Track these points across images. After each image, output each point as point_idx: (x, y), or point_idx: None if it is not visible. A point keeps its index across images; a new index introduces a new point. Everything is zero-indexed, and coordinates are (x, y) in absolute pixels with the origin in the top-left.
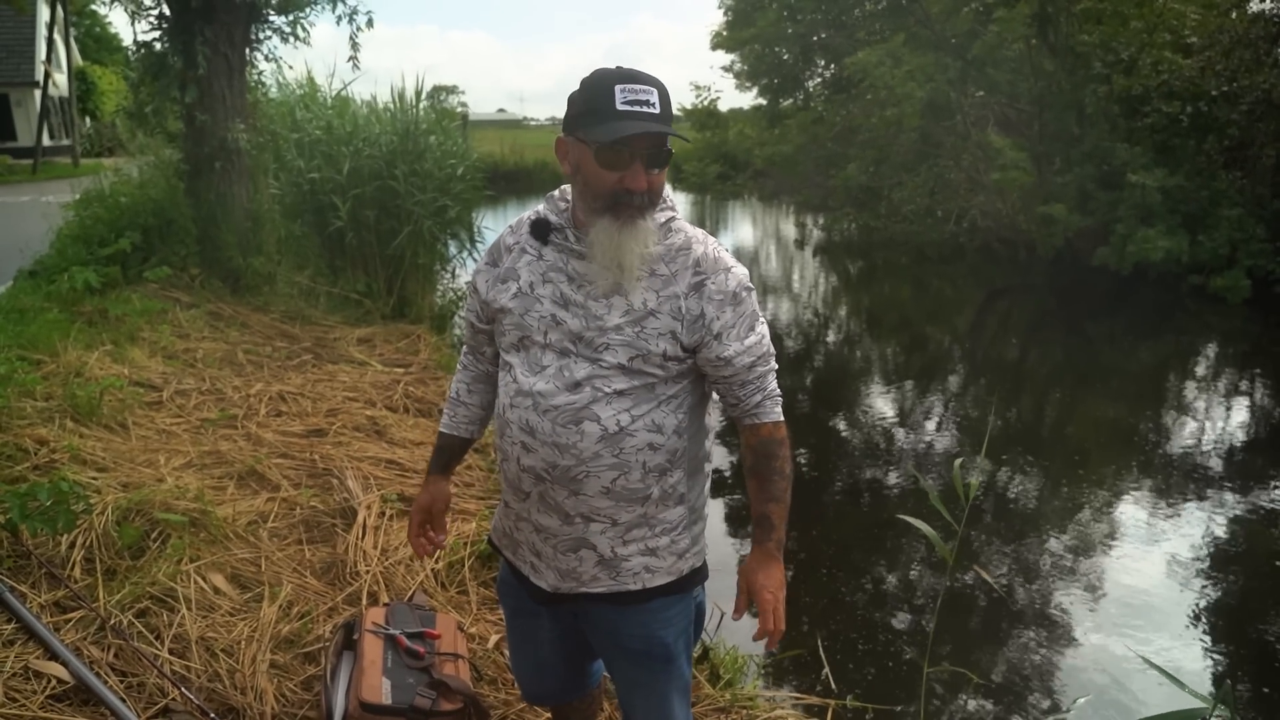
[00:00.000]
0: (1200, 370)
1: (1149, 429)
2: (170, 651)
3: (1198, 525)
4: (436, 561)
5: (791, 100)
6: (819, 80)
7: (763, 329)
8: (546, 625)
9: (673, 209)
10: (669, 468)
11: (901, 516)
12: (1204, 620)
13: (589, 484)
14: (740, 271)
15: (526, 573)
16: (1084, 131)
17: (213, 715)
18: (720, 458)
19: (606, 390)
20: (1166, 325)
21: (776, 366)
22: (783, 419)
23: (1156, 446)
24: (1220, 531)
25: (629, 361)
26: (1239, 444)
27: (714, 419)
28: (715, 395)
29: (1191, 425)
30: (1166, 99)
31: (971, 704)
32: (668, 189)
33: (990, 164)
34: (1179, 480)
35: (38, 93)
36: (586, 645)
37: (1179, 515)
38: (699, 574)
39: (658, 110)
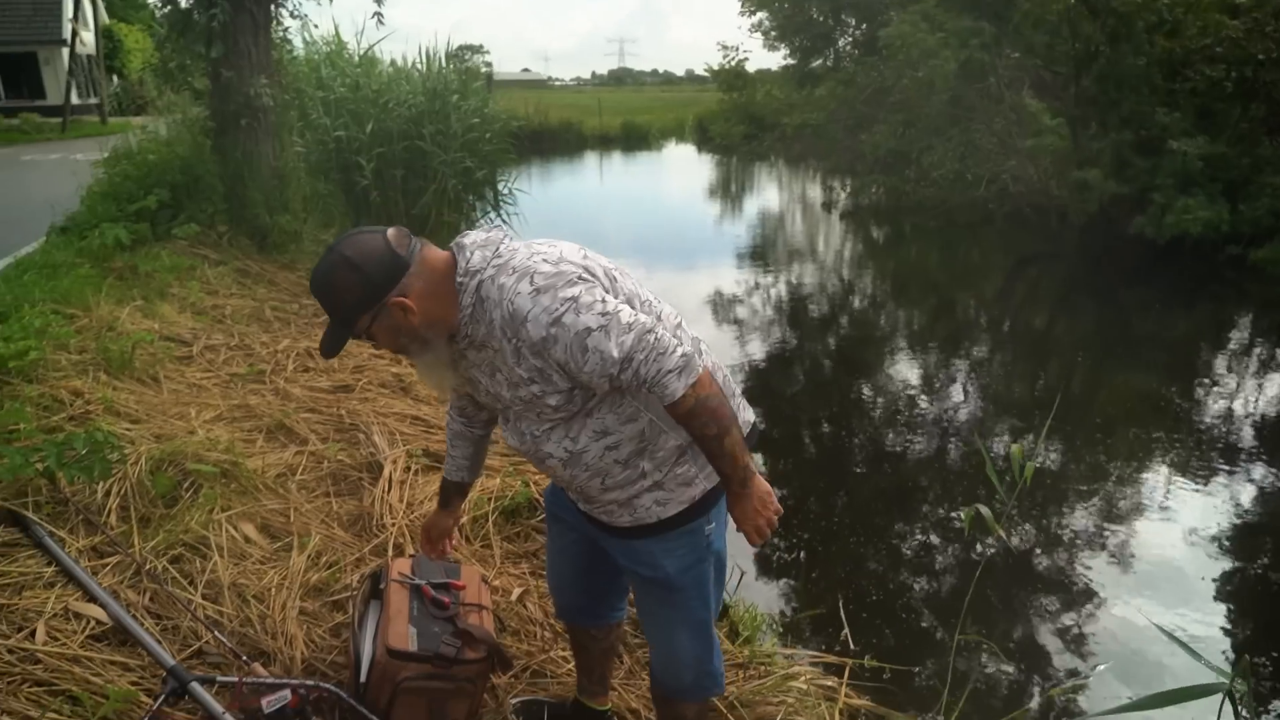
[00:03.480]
0: (1236, 342)
1: (1183, 400)
2: (203, 597)
3: (1230, 497)
4: (462, 516)
5: (821, 60)
6: (849, 40)
7: (597, 340)
8: (574, 538)
9: (475, 276)
10: (645, 446)
11: (977, 506)
12: (1232, 593)
13: (589, 488)
14: (537, 313)
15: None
16: (1122, 95)
17: (245, 658)
18: None
19: (538, 433)
20: (1203, 295)
21: (648, 345)
22: (686, 387)
23: (1190, 418)
24: (1253, 504)
25: (538, 416)
26: (1275, 417)
27: None
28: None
29: (1226, 398)
30: (1209, 62)
31: (992, 667)
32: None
33: (1024, 128)
34: (1211, 452)
35: (65, 51)
36: (607, 573)
37: (1210, 487)
38: (713, 494)
39: (328, 316)
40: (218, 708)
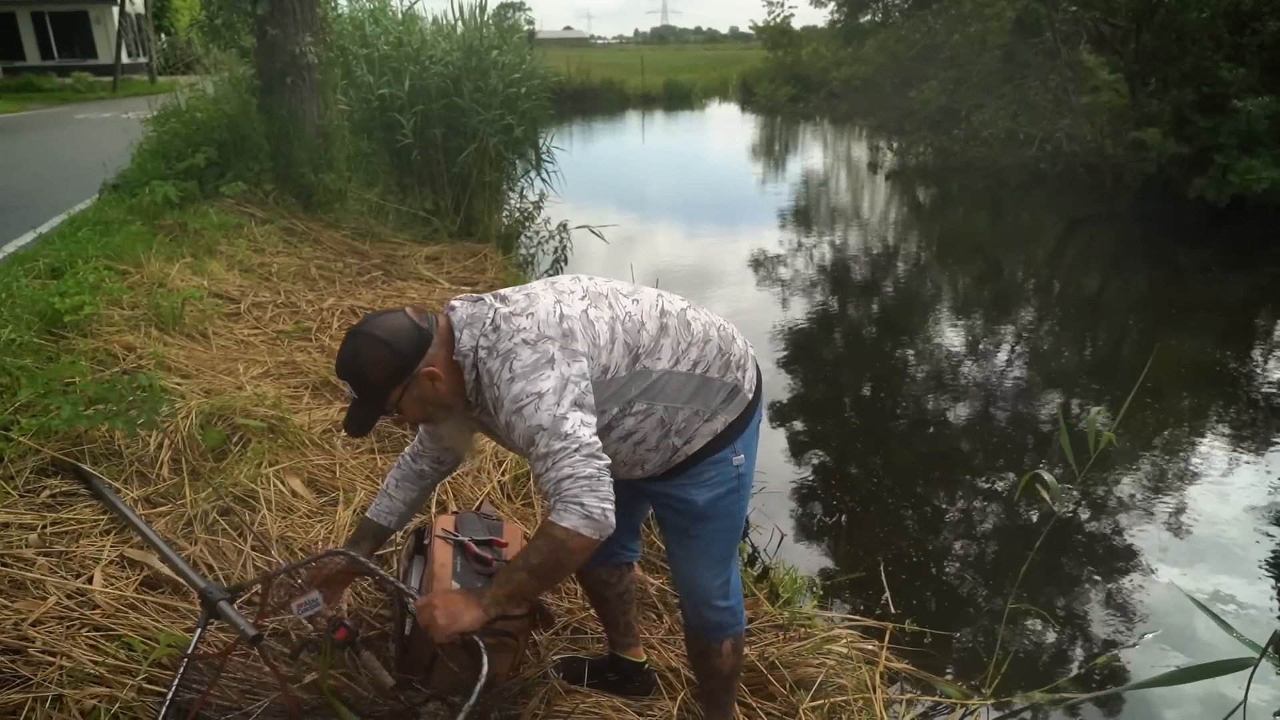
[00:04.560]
0: None
1: (1241, 366)
2: (252, 548)
3: None
4: (503, 474)
5: (869, 16)
6: None
7: (541, 438)
8: None
9: (468, 357)
10: (668, 427)
11: (1038, 472)
12: None
13: (631, 476)
14: (507, 400)
15: None
16: (1184, 50)
17: (269, 571)
18: (779, 389)
19: None
20: (1266, 259)
21: (570, 471)
22: (576, 529)
23: (1250, 386)
24: None
25: None
26: None
27: (666, 355)
28: (648, 343)
29: None
30: (1279, 14)
31: (1036, 635)
32: None
33: (1080, 85)
34: (1269, 421)
35: (116, 10)
36: (626, 512)
37: (1271, 457)
38: (735, 427)
39: (356, 396)
40: (242, 621)
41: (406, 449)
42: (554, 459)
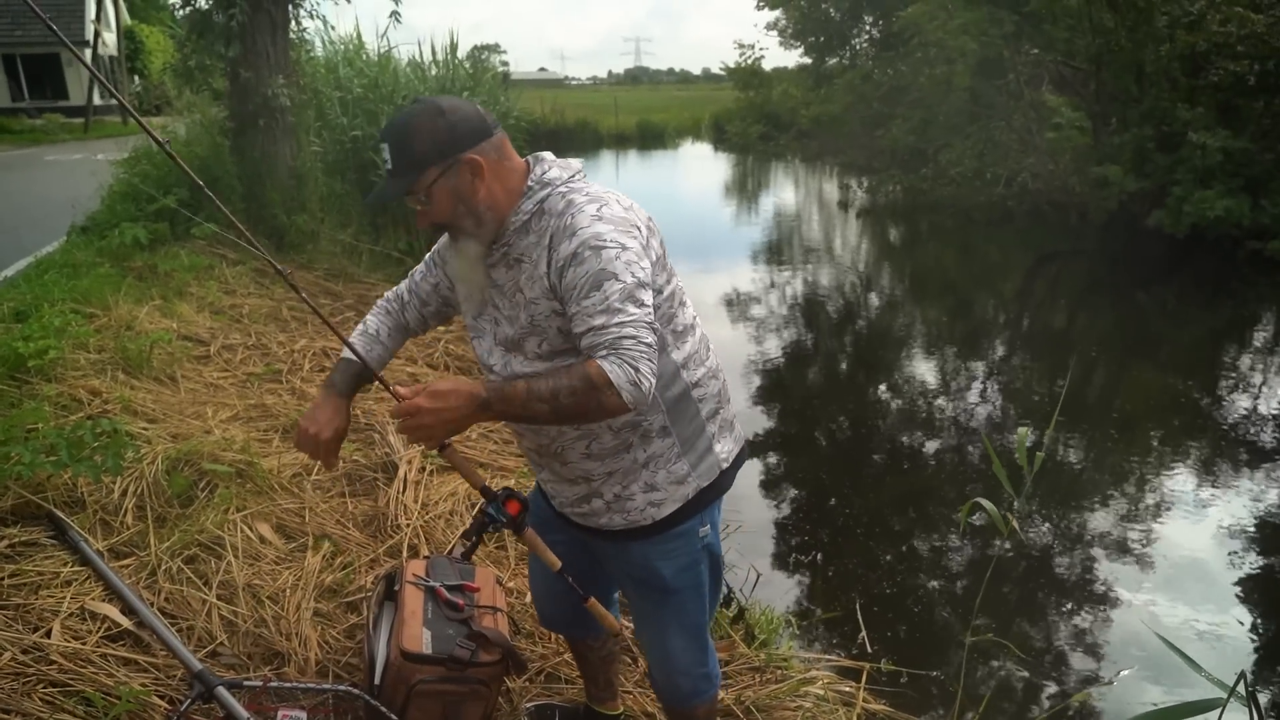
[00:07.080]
0: (1258, 340)
1: (1200, 397)
2: (218, 597)
3: (1251, 499)
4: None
5: (838, 59)
6: (866, 38)
7: (613, 287)
8: (562, 546)
9: (546, 187)
10: (638, 420)
11: (978, 500)
12: (1255, 593)
13: (570, 453)
14: (586, 232)
15: (548, 491)
16: (1143, 91)
17: (269, 672)
18: (753, 426)
19: (529, 373)
20: (1223, 293)
21: (635, 333)
22: (605, 373)
23: (1207, 416)
24: (1275, 506)
25: (541, 348)
26: None
27: (685, 350)
28: (683, 326)
29: (1244, 394)
30: (1232, 57)
31: (1009, 671)
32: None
33: (1043, 124)
34: (1233, 453)
35: (88, 52)
36: (593, 582)
37: (1231, 489)
38: (706, 494)
39: (390, 165)
40: (244, 712)
41: (389, 292)
42: (622, 315)
